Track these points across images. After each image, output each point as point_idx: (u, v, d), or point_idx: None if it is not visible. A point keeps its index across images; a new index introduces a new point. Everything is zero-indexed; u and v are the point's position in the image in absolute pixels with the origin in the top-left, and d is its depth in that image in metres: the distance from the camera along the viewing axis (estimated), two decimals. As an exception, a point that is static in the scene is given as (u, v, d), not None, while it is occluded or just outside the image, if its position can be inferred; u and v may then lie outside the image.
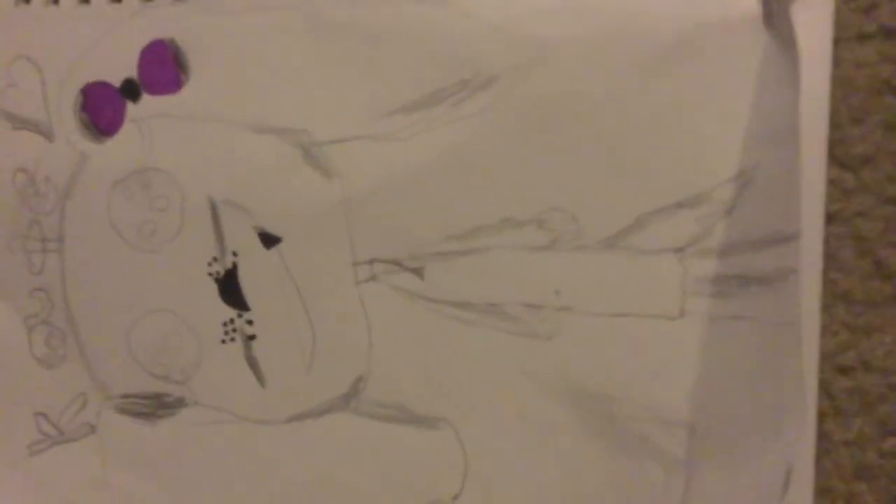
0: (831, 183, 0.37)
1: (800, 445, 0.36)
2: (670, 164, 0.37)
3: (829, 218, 0.37)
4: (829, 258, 0.37)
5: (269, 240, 0.42)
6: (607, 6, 0.37)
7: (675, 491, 0.38)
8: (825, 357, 0.38)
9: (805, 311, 0.36)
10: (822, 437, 0.38)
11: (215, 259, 0.43)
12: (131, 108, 0.43)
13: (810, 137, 0.35)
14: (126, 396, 0.45)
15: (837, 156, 0.37)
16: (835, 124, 0.37)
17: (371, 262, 0.41)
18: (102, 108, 0.43)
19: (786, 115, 0.35)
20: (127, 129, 0.43)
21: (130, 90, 0.43)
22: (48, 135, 0.44)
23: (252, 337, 0.43)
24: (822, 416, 0.38)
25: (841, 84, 0.37)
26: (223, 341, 0.43)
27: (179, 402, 0.44)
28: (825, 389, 0.38)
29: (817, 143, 0.36)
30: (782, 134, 0.35)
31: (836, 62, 0.36)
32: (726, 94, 0.36)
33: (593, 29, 0.37)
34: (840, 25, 0.36)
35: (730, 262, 0.36)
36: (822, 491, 0.38)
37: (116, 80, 0.43)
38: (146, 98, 0.43)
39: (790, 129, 0.35)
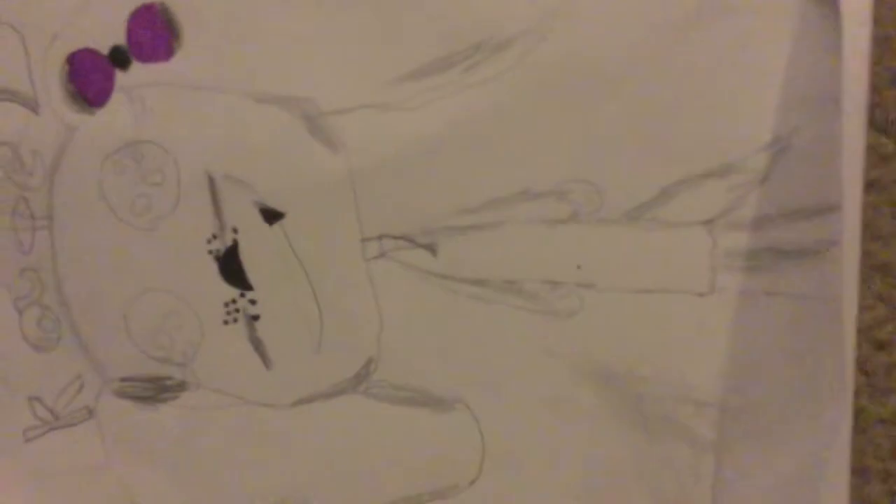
0: (868, 149, 0.35)
1: (837, 425, 0.35)
2: (699, 132, 0.35)
3: (867, 186, 0.35)
4: (866, 227, 0.35)
5: (271, 215, 0.40)
6: (631, -38, 0.34)
7: (705, 474, 0.36)
8: (860, 332, 0.36)
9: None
10: (857, 414, 0.36)
11: (214, 236, 0.41)
12: (120, 77, 0.41)
13: (849, 101, 0.33)
14: (125, 380, 0.44)
15: (875, 120, 0.35)
16: (872, 86, 0.35)
17: (380, 237, 0.39)
18: (90, 77, 0.41)
19: (825, 78, 0.33)
20: (116, 99, 0.41)
21: (119, 58, 0.41)
22: (33, 106, 0.42)
23: (256, 317, 0.41)
24: (857, 393, 0.36)
25: (879, 43, 0.34)
26: (225, 322, 0.42)
27: (181, 386, 0.43)
28: (860, 365, 0.36)
29: (856, 107, 0.34)
30: (821, 98, 0.33)
31: (876, 19, 0.34)
32: (760, 56, 0.34)
33: (616, -14, 0.34)
34: (880, -20, 0.34)
35: (763, 235, 0.35)
36: (856, 470, 0.37)
37: (104, 48, 0.41)
38: (136, 66, 0.41)
39: (830, 93, 0.33)
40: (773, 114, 0.34)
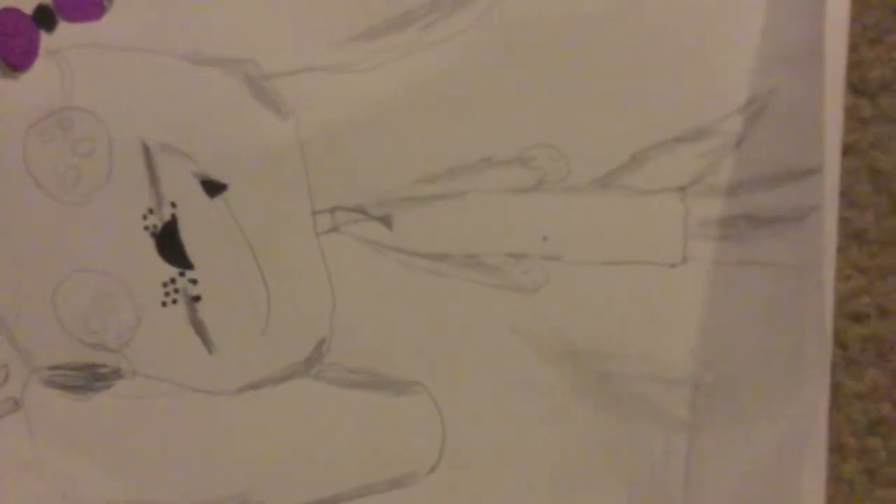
0: (845, 111, 0.34)
1: (815, 400, 0.33)
2: (671, 94, 0.33)
3: (844, 150, 0.34)
4: (842, 194, 0.34)
5: (212, 188, 0.38)
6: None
7: (678, 454, 0.35)
8: (837, 303, 0.35)
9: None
10: (834, 389, 0.35)
11: (151, 211, 0.38)
12: (46, 39, 0.38)
13: (829, 59, 0.32)
14: (54, 368, 0.41)
15: (852, 81, 0.34)
16: (849, 46, 0.33)
17: (332, 210, 0.36)
18: (13, 39, 0.39)
19: (803, 36, 0.31)
20: (42, 62, 0.38)
21: (44, 17, 0.38)
22: (-51, 71, 0.39)
23: (197, 298, 0.39)
24: (833, 367, 0.35)
25: (856, 1, 0.33)
26: (164, 304, 0.39)
27: (116, 373, 0.40)
28: (837, 338, 0.35)
29: (835, 67, 0.32)
30: (799, 56, 0.32)
31: (855, -25, 0.33)
32: (735, 13, 0.32)
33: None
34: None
35: (738, 201, 0.33)
36: (833, 447, 0.35)
37: (28, 7, 0.38)
38: (63, 26, 0.38)
39: (810, 51, 0.31)
40: (749, 74, 0.32)
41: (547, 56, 0.34)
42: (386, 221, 0.36)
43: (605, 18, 0.33)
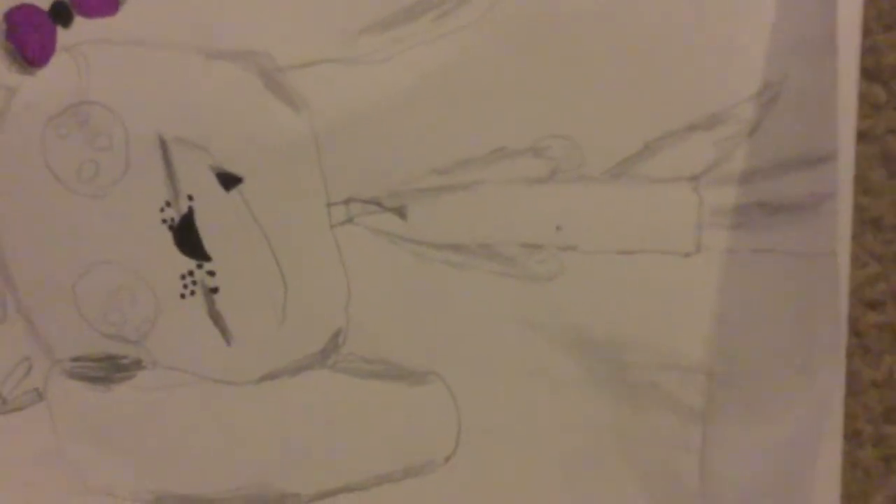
0: (859, 97, 0.33)
1: (830, 388, 0.33)
2: (684, 81, 0.33)
3: (858, 136, 0.33)
4: (857, 181, 0.34)
5: (228, 180, 0.38)
6: None
7: (692, 444, 0.35)
8: (852, 290, 0.35)
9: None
10: (850, 376, 0.35)
11: (168, 204, 0.38)
12: (63, 34, 0.38)
13: (842, 45, 0.31)
14: (76, 359, 0.41)
15: (866, 67, 0.33)
16: (863, 31, 0.33)
17: (347, 202, 0.36)
18: (29, 35, 0.39)
19: (816, 21, 0.31)
20: (59, 58, 0.38)
21: (61, 13, 0.38)
22: (-33, 67, 0.39)
23: (215, 290, 0.39)
24: (849, 354, 0.35)
25: (871, -15, 0.33)
26: (182, 296, 0.39)
27: (136, 365, 0.40)
28: (852, 326, 0.35)
29: (849, 53, 0.32)
30: (812, 42, 0.31)
31: (870, -40, 0.32)
32: (748, -1, 0.32)
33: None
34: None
35: (752, 189, 0.33)
36: (849, 434, 0.35)
37: (44, 3, 0.38)
38: (79, 21, 0.38)
39: (824, 37, 0.31)
40: (762, 61, 0.32)
41: (559, 45, 0.33)
42: (400, 213, 0.36)
43: (617, 7, 0.33)
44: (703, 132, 0.33)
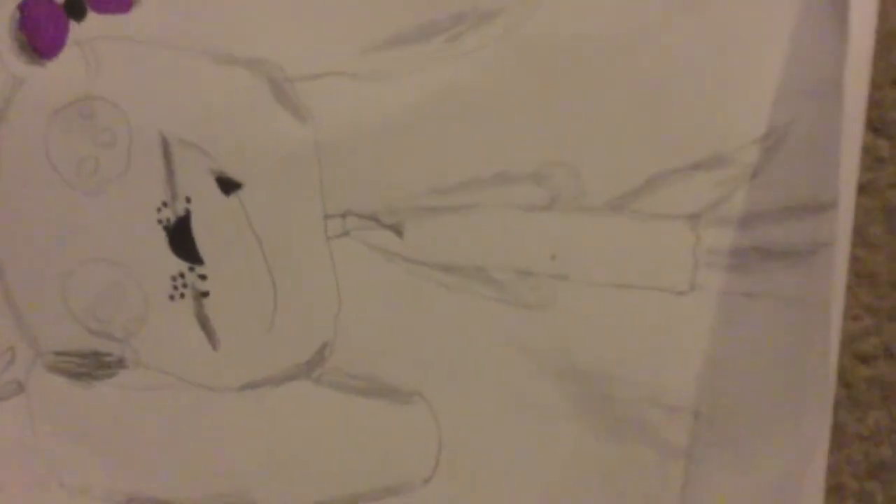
0: (863, 150, 0.33)
1: (815, 438, 0.33)
2: (690, 120, 0.33)
3: (859, 189, 0.33)
4: (855, 233, 0.34)
5: (228, 185, 0.37)
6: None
7: (673, 482, 0.35)
8: (844, 342, 0.34)
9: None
10: (836, 429, 0.35)
11: (165, 204, 0.38)
12: (75, 28, 0.38)
13: (849, 96, 0.31)
14: (60, 353, 0.41)
15: (871, 119, 0.33)
16: (871, 84, 0.33)
17: (344, 215, 0.36)
18: (42, 27, 0.39)
19: (825, 70, 0.31)
20: (69, 51, 0.38)
21: (74, 7, 0.38)
22: (-23, 54, 0.39)
23: (205, 294, 0.38)
24: (836, 406, 0.34)
25: (882, 39, 0.33)
26: (171, 297, 0.39)
27: (120, 363, 0.40)
28: (842, 377, 0.35)
29: (855, 104, 0.32)
30: (820, 91, 0.31)
31: (883, 15, 0.32)
32: (758, 43, 0.32)
33: (611, -40, 0.32)
34: (887, -28, 0.32)
35: (750, 233, 0.33)
36: (832, 488, 0.35)
37: (59, -5, 0.39)
38: (92, 17, 0.38)
39: (829, 86, 0.31)
40: (769, 105, 0.32)
41: (568, 76, 0.33)
42: (397, 230, 0.36)
43: (628, 41, 0.33)
44: (706, 172, 0.33)
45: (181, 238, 0.38)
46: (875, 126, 0.34)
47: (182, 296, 0.39)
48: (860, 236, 0.34)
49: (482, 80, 0.34)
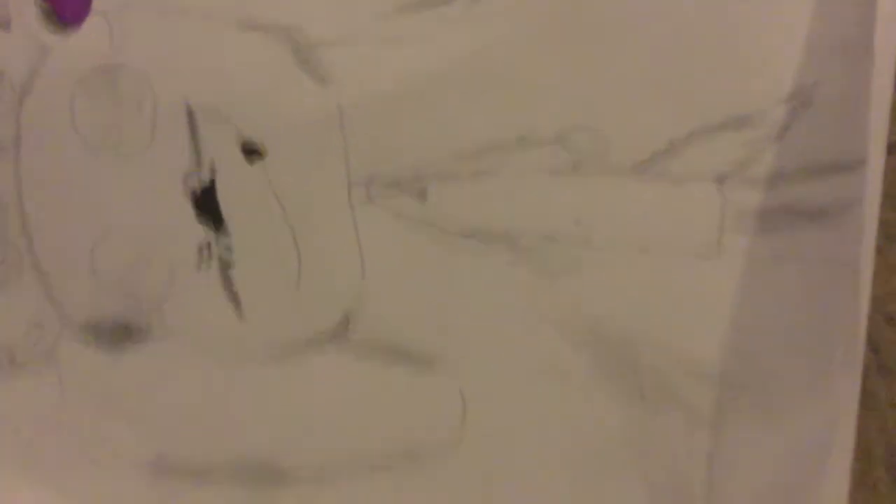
0: (893, 109, 0.33)
1: (844, 403, 0.33)
2: (716, 80, 0.32)
3: (888, 148, 0.33)
4: (885, 194, 0.33)
5: (252, 152, 0.37)
6: None
7: (699, 448, 0.34)
8: (872, 304, 0.34)
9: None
10: (865, 394, 0.34)
11: (191, 172, 0.38)
12: (99, -2, 0.38)
13: (879, 52, 0.31)
14: (87, 324, 0.41)
15: (900, 78, 0.33)
16: (900, 41, 0.32)
17: (368, 182, 0.36)
18: (67, -3, 0.39)
19: (853, 27, 0.30)
20: (93, 20, 0.38)
21: (99, -24, 0.38)
22: (4, 24, 0.40)
23: (230, 263, 0.39)
24: (865, 370, 0.34)
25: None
26: (198, 267, 0.39)
27: (147, 333, 0.40)
28: (870, 341, 0.34)
29: (884, 63, 0.31)
30: (850, 49, 0.31)
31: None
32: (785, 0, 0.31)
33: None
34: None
35: (777, 193, 0.32)
36: (861, 454, 0.34)
37: (83, -35, 0.38)
38: (117, -14, 0.38)
39: (859, 45, 0.30)
40: (796, 63, 0.31)
41: (591, 37, 0.33)
42: (420, 195, 0.36)
43: (652, 3, 0.32)
44: (732, 133, 0.32)
45: (207, 206, 0.39)
46: (905, 85, 0.33)
47: (208, 266, 0.39)
48: (890, 198, 0.33)
49: (504, 44, 0.34)
